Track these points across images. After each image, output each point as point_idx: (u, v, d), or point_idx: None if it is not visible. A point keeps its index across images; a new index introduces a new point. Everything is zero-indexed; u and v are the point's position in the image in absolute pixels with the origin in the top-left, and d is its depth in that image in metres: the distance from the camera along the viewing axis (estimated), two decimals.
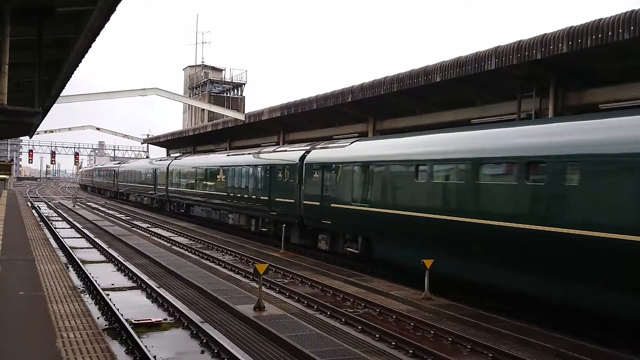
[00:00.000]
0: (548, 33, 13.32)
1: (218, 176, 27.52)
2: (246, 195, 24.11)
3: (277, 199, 21.26)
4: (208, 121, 47.69)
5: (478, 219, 11.93)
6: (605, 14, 12.37)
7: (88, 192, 78.95)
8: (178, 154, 48.51)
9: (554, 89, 14.95)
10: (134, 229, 29.18)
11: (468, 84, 16.90)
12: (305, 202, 19.22)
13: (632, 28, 11.40)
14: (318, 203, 18.31)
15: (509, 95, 16.56)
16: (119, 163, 60.87)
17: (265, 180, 22.30)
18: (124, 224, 31.63)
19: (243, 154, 26.36)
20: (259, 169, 23.13)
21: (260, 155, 24.22)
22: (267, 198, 22.00)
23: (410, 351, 9.57)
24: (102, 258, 19.26)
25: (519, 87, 15.81)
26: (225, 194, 26.28)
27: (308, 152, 19.98)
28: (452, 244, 12.97)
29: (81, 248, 21.23)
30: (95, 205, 47.45)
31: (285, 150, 22.53)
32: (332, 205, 17.57)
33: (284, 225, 20.59)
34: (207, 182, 29.38)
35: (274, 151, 23.50)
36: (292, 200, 20.02)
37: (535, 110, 15.33)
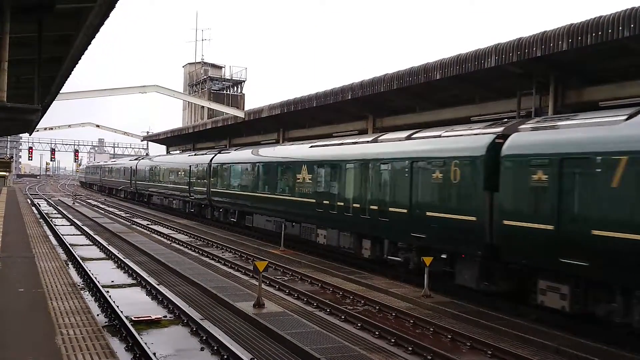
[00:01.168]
0: (548, 30, 13.30)
1: (299, 176, 19.87)
2: (356, 205, 16.26)
3: (429, 214, 13.45)
4: (208, 118, 47.67)
5: None
6: (605, 12, 12.35)
7: (90, 191, 78.69)
8: (225, 147, 38.67)
9: (554, 86, 14.94)
10: (134, 226, 29.20)
11: (468, 81, 16.88)
12: (507, 221, 11.31)
13: (632, 25, 11.38)
14: (550, 227, 10.40)
15: (508, 93, 16.54)
16: (137, 158, 51.83)
17: (401, 182, 14.55)
18: (123, 221, 31.64)
19: (342, 144, 18.60)
20: (386, 166, 15.30)
21: (380, 146, 16.26)
22: (405, 211, 14.25)
23: (410, 348, 9.59)
24: (102, 255, 19.28)
25: (518, 85, 15.79)
26: (314, 200, 18.72)
27: (503, 135, 12.03)
28: None
29: (81, 245, 21.25)
30: (95, 203, 47.46)
31: (440, 136, 14.20)
32: (613, 234, 9.35)
33: (444, 256, 13.27)
34: (280, 184, 21.66)
35: (410, 138, 15.29)
36: (472, 218, 12.15)
37: (535, 107, 15.32)
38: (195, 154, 34.36)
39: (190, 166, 32.55)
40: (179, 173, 34.70)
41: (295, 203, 20.17)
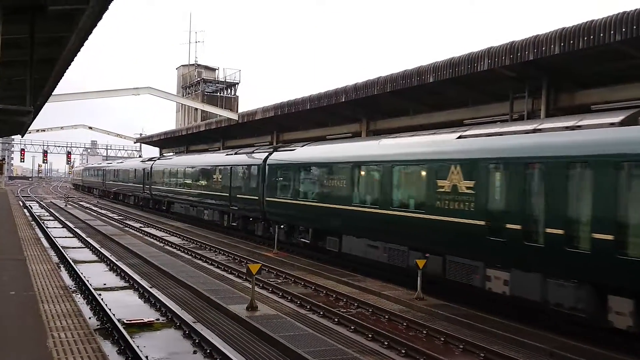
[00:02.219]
0: (540, 34, 13.38)
1: (444, 183, 12.82)
2: (603, 236, 9.55)
3: None
4: (201, 121, 47.60)
5: None
6: (597, 16, 12.42)
7: (82, 193, 78.23)
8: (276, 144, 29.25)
9: (546, 90, 15.02)
10: (127, 228, 29.07)
11: (461, 84, 16.94)
12: None
13: (623, 30, 11.47)
14: None
15: (501, 96, 16.62)
16: (151, 159, 44.41)
17: None
18: (116, 223, 31.51)
19: (537, 131, 11.53)
20: None
21: None
22: None
23: (403, 351, 9.60)
24: (94, 258, 19.18)
25: (511, 88, 15.87)
26: (482, 223, 11.86)
27: None
28: None
29: (73, 248, 21.14)
30: (88, 205, 47.24)
31: None
32: None
33: None
34: (398, 194, 14.86)
35: None
36: None
37: (527, 111, 15.39)
38: (236, 152, 26.72)
39: (231, 167, 25.28)
40: (214, 177, 27.17)
41: (435, 225, 12.97)
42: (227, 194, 25.28)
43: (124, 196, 50.50)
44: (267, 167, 21.86)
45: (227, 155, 27.53)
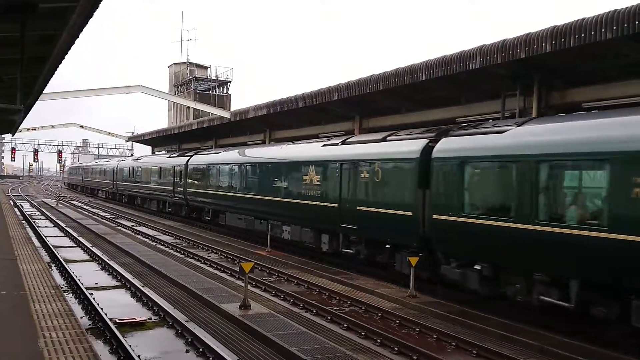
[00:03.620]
0: (532, 32, 13.41)
1: None
2: None
3: None
4: (193, 119, 47.45)
5: None
6: (588, 14, 12.49)
7: (74, 192, 77.73)
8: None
9: (538, 88, 15.07)
10: (119, 227, 28.96)
11: (453, 82, 16.96)
12: None
13: (614, 28, 11.51)
14: None
15: (493, 94, 16.66)
16: (183, 154, 34.73)
17: None
18: (108, 222, 31.38)
19: None
20: None
21: None
22: None
23: (396, 348, 9.62)
24: (86, 257, 19.09)
25: (503, 86, 15.92)
26: None
27: None
28: None
29: (64, 247, 21.03)
30: (79, 204, 47.01)
31: None
32: None
33: None
34: None
35: None
36: None
37: (519, 109, 15.44)
38: (344, 142, 17.81)
39: (341, 165, 16.63)
40: (306, 178, 18.57)
41: None
42: (335, 205, 16.77)
43: (142, 200, 41.14)
44: (432, 163, 13.23)
45: (324, 146, 18.54)
